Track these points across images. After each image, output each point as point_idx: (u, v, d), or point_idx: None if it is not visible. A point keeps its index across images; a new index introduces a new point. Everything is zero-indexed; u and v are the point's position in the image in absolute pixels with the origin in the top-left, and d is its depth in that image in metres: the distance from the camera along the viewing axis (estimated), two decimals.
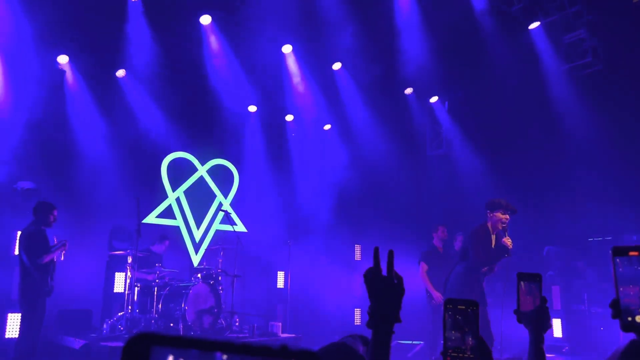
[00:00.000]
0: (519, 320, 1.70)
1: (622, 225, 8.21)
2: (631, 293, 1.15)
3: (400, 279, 1.53)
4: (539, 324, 1.63)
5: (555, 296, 8.99)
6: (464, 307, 1.43)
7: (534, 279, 1.66)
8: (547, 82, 8.80)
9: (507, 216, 5.07)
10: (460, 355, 1.39)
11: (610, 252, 1.20)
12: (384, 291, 1.52)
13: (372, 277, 1.52)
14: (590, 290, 8.69)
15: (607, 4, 8.10)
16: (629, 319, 1.15)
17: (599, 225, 8.62)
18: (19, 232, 6.15)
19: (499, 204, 5.13)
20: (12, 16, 6.93)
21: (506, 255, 4.99)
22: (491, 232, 5.18)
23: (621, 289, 1.17)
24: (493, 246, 5.14)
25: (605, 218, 8.39)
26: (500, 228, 5.07)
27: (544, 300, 1.65)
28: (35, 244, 5.82)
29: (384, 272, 1.53)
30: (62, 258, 6.03)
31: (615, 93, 8.20)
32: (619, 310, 1.17)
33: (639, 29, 7.78)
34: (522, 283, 1.67)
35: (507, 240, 4.96)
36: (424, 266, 7.29)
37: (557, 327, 8.75)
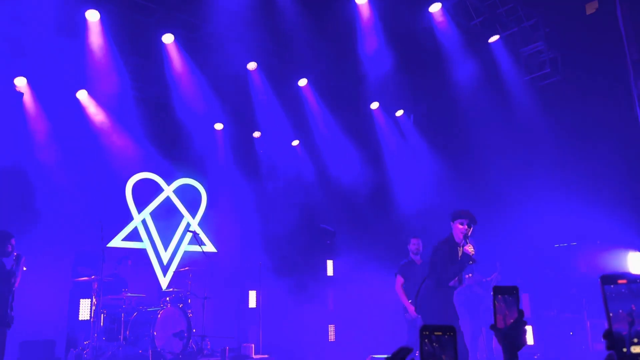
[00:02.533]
0: (497, 337, 1.64)
1: (586, 230, 8.40)
2: (622, 322, 1.13)
3: None
4: (514, 340, 1.58)
5: (524, 303, 9.11)
6: (440, 332, 1.40)
7: (510, 292, 1.60)
8: (509, 93, 9.00)
9: (466, 227, 5.12)
10: None
11: (599, 281, 1.17)
12: None
13: None
14: (558, 297, 8.84)
15: (563, 16, 8.35)
16: (624, 349, 1.12)
17: (564, 231, 8.80)
18: None
19: (458, 215, 5.21)
20: None
21: (470, 262, 5.06)
22: (457, 243, 5.22)
23: (611, 314, 1.14)
24: (460, 257, 5.19)
25: (570, 224, 8.57)
26: (462, 237, 5.13)
27: (521, 314, 1.59)
28: None
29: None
30: (25, 268, 5.76)
31: (574, 102, 8.43)
32: (612, 340, 1.14)
33: (593, 39, 8.04)
34: (498, 297, 1.61)
35: (469, 248, 5.03)
36: (399, 279, 7.24)
37: (528, 334, 8.84)
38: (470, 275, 8.00)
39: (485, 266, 8.48)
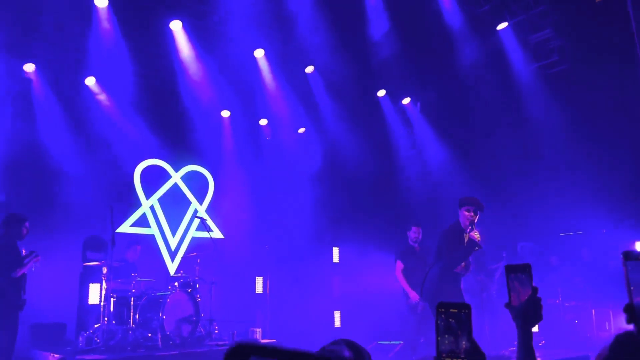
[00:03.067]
0: (512, 315, 1.66)
1: (592, 219, 8.42)
2: None
3: None
4: (529, 317, 1.59)
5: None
6: (456, 310, 1.42)
7: (523, 270, 1.61)
8: (516, 81, 8.98)
9: (472, 214, 5.19)
10: (455, 359, 1.38)
11: (621, 257, 1.20)
12: None
13: None
14: (563, 285, 8.88)
15: (572, 4, 8.30)
16: None
17: (571, 220, 8.82)
18: None
19: (465, 202, 5.26)
20: None
21: (476, 248, 5.12)
22: (463, 230, 5.28)
23: (633, 289, 1.17)
24: (466, 242, 5.26)
25: (576, 213, 8.59)
26: (469, 224, 5.18)
27: (535, 290, 1.60)
28: (8, 257, 5.66)
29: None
30: (34, 269, 5.87)
31: (582, 91, 8.41)
32: (633, 315, 1.17)
33: (602, 28, 7.99)
34: (511, 276, 1.62)
35: (475, 234, 5.08)
36: (399, 265, 7.28)
37: None
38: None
39: (491, 254, 8.53)
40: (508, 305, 1.64)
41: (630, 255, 1.21)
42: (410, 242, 7.48)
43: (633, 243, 8.14)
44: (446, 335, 1.40)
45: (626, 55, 7.56)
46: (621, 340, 1.40)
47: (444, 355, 1.39)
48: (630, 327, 1.24)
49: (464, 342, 1.39)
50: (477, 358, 1.43)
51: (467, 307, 1.43)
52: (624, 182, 7.98)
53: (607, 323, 8.23)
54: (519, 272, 1.62)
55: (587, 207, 8.32)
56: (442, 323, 1.42)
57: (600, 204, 8.06)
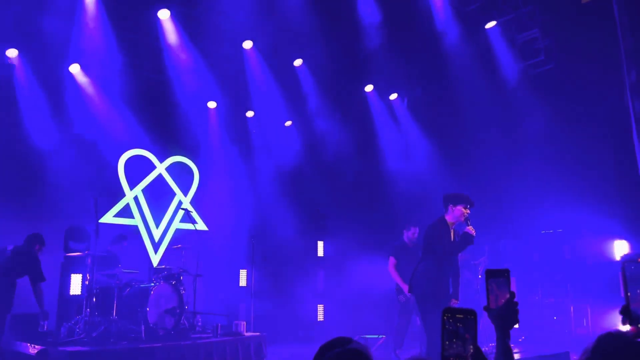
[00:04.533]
0: (490, 317, 1.72)
1: (573, 218, 8.55)
2: (638, 298, 1.17)
3: None
4: (506, 319, 1.66)
5: (511, 288, 9.27)
6: (462, 315, 1.46)
7: (502, 274, 1.67)
8: (503, 80, 9.05)
9: (469, 210, 5.26)
10: None
11: (620, 261, 1.22)
12: None
13: None
14: (544, 281, 9.02)
15: (559, 4, 8.38)
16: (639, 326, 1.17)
17: (552, 218, 8.95)
18: None
19: (462, 198, 5.30)
20: None
21: (470, 243, 5.18)
22: (449, 225, 5.32)
23: (629, 294, 1.19)
24: (452, 239, 5.29)
25: (558, 211, 8.72)
26: (463, 220, 5.26)
27: (512, 295, 1.66)
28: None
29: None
30: None
31: (567, 91, 8.51)
32: (630, 316, 1.19)
33: (588, 29, 8.09)
34: (489, 280, 1.68)
35: (471, 228, 5.15)
36: (392, 260, 7.30)
37: None
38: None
39: (474, 250, 8.62)
40: (487, 308, 1.70)
41: (629, 259, 1.23)
42: (405, 240, 7.50)
43: (613, 242, 8.29)
44: (453, 339, 1.44)
45: (611, 57, 7.67)
46: (603, 340, 1.45)
47: (450, 359, 1.42)
48: (611, 327, 1.27)
49: (470, 347, 1.43)
50: None
51: (473, 312, 1.47)
52: (606, 182, 8.11)
53: (585, 320, 8.38)
54: (498, 277, 1.67)
55: (568, 205, 8.45)
56: (450, 327, 1.45)
57: (582, 203, 8.19)
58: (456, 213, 5.28)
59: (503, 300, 1.65)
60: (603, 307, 8.04)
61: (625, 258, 1.23)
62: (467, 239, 5.15)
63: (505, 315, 1.65)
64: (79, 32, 7.59)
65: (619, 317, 1.29)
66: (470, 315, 1.46)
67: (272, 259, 9.48)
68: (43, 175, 7.62)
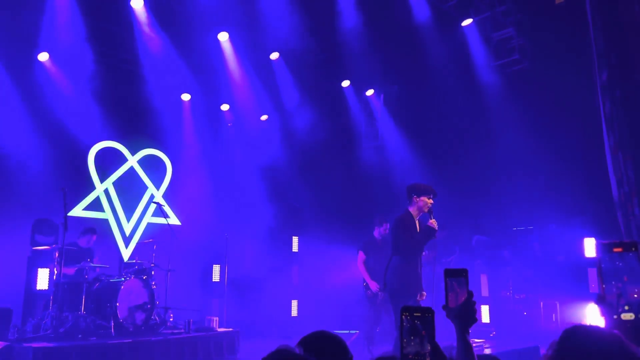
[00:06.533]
0: (448, 316, 1.75)
1: (544, 215, 8.70)
2: (614, 290, 1.18)
3: None
4: (464, 319, 1.68)
5: (483, 284, 9.41)
6: (419, 313, 1.49)
7: (460, 274, 1.70)
8: (478, 78, 9.13)
9: (432, 201, 5.27)
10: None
11: (597, 247, 1.22)
12: None
13: None
14: (514, 277, 9.17)
15: (534, 4, 8.49)
16: (615, 316, 1.18)
17: (523, 216, 9.09)
18: None
19: (426, 189, 5.32)
20: None
21: (433, 237, 5.19)
22: (414, 217, 5.32)
23: (604, 286, 1.20)
24: (418, 230, 5.30)
25: (529, 208, 8.85)
26: (426, 211, 5.26)
27: (470, 294, 1.69)
28: None
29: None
30: None
31: (540, 90, 8.63)
32: (605, 306, 1.20)
33: (561, 29, 8.21)
34: (448, 279, 1.70)
35: (433, 222, 5.16)
36: (361, 255, 7.31)
37: (485, 313, 9.16)
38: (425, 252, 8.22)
39: (446, 247, 8.70)
40: (445, 307, 1.72)
41: (605, 248, 1.24)
42: (376, 235, 7.50)
43: (582, 239, 8.45)
44: (412, 337, 1.46)
45: (583, 57, 7.80)
46: (569, 332, 1.49)
47: (410, 356, 1.45)
48: (578, 321, 1.29)
49: (427, 344, 1.46)
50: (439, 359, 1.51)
51: (430, 311, 1.50)
52: (575, 181, 8.26)
53: (554, 315, 8.55)
54: (457, 276, 1.70)
55: (539, 203, 8.59)
56: (408, 325, 1.48)
57: (552, 201, 8.33)
58: (419, 204, 5.27)
59: (462, 299, 1.68)
60: (571, 303, 8.21)
61: (603, 246, 1.23)
62: (429, 232, 5.16)
63: (465, 314, 1.68)
64: (49, 20, 7.36)
65: (586, 312, 1.30)
66: (427, 314, 1.48)
67: (246, 254, 9.39)
68: (9, 166, 7.38)
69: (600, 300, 1.24)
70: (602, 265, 1.24)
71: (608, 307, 1.21)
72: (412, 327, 1.47)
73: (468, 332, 1.70)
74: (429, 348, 1.45)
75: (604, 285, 1.21)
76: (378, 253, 7.27)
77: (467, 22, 8.73)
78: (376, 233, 7.52)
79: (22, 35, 7.55)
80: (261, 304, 9.17)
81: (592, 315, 7.85)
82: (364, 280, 7.26)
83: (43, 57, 7.98)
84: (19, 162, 7.46)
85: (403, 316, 1.49)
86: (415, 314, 1.48)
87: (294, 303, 10.08)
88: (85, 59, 7.98)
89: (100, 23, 7.86)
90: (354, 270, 7.60)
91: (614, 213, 7.32)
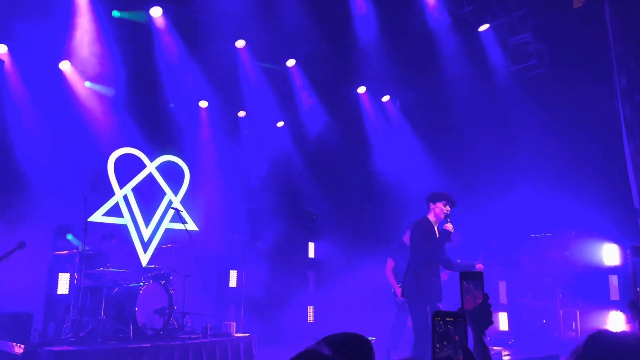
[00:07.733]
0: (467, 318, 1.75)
1: (562, 221, 8.60)
2: None
3: None
4: (481, 321, 1.69)
5: (501, 290, 9.31)
6: (452, 318, 1.49)
7: (475, 277, 1.72)
8: (495, 83, 9.09)
9: (449, 207, 5.32)
10: None
11: (629, 251, 1.22)
12: None
13: None
14: (533, 285, 9.06)
15: (551, 9, 8.43)
16: None
17: (542, 222, 8.99)
18: None
19: (442, 196, 5.42)
20: None
21: (449, 240, 5.23)
22: (433, 224, 5.38)
23: (638, 289, 1.19)
24: (437, 237, 5.34)
25: (547, 215, 8.76)
26: (443, 217, 5.34)
27: (486, 297, 1.71)
28: None
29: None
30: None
31: (558, 95, 8.55)
32: (638, 310, 1.19)
33: (579, 33, 8.15)
34: (464, 282, 1.72)
35: (449, 226, 5.20)
36: (390, 263, 7.29)
37: (503, 321, 9.07)
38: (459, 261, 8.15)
39: (469, 254, 8.62)
40: (461, 310, 1.73)
41: (638, 251, 1.23)
42: (406, 240, 7.48)
43: (602, 246, 8.34)
44: (444, 342, 1.47)
45: (602, 61, 7.72)
46: (594, 337, 1.50)
47: None
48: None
49: (460, 350, 1.46)
50: None
51: (463, 316, 1.51)
52: (595, 186, 8.15)
53: (574, 323, 8.43)
54: (473, 279, 1.73)
55: (558, 208, 8.50)
56: (440, 330, 1.48)
57: (571, 207, 8.23)
58: (436, 211, 5.36)
59: (479, 301, 1.70)
60: (592, 311, 8.10)
61: (635, 249, 1.22)
62: (445, 235, 5.21)
63: (481, 316, 1.70)
64: (69, 28, 7.50)
65: (607, 320, 1.30)
66: (460, 319, 1.49)
67: (263, 260, 9.42)
68: (32, 172, 7.51)
69: (633, 305, 1.23)
70: (638, 269, 1.23)
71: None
72: (444, 332, 1.47)
73: (484, 334, 1.72)
74: (462, 353, 1.45)
75: (638, 289, 1.20)
76: (406, 259, 7.22)
77: (483, 27, 8.70)
78: (406, 238, 7.50)
79: (44, 44, 7.69)
80: (277, 310, 9.18)
81: (613, 323, 7.74)
82: (393, 287, 7.24)
83: (64, 65, 8.13)
84: (43, 169, 7.58)
85: (435, 321, 1.49)
86: (447, 319, 1.49)
87: (310, 309, 10.08)
88: (106, 67, 8.11)
89: (120, 30, 7.96)
90: (370, 275, 7.59)
91: (634, 219, 7.21)
